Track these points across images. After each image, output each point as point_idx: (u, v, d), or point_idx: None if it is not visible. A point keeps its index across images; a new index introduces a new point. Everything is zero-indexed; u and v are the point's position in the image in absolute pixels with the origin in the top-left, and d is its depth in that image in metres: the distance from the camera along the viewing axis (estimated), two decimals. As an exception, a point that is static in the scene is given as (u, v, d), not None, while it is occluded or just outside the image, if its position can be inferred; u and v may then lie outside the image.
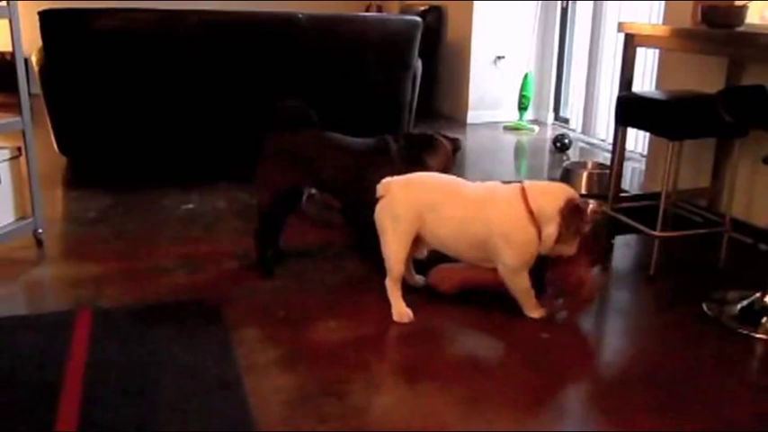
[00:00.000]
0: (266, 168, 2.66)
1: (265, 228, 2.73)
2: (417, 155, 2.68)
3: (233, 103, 4.17)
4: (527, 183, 2.34)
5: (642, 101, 2.92)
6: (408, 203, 2.37)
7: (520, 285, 2.37)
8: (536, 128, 5.78)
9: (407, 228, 2.37)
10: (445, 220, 2.35)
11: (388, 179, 2.41)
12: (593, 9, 5.29)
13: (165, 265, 2.80)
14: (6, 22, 2.67)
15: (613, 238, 3.15)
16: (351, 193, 2.71)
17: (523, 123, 5.81)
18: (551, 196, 2.29)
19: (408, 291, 2.55)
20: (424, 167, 2.63)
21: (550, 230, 2.26)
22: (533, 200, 2.28)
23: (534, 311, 2.41)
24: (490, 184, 2.41)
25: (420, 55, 4.67)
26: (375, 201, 2.55)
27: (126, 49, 3.92)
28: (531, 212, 2.27)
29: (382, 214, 2.40)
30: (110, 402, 1.87)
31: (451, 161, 2.76)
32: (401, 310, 2.39)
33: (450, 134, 2.87)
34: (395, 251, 2.39)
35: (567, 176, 4.10)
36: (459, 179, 2.45)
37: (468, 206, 2.33)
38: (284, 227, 2.78)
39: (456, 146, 2.79)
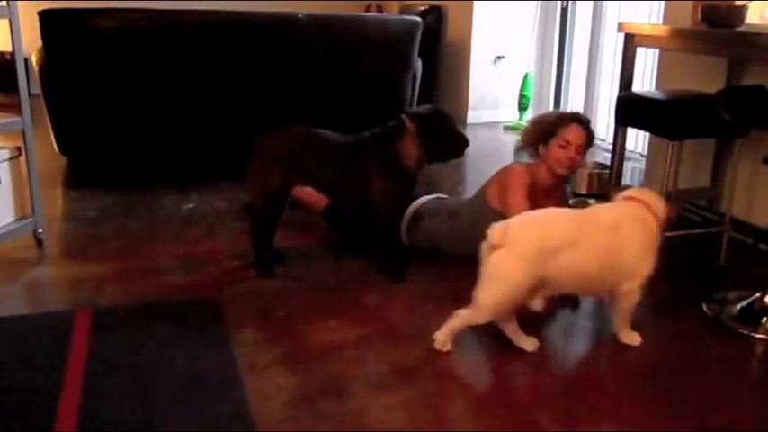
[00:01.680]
0: (257, 169, 2.66)
1: (259, 228, 2.73)
2: (389, 145, 2.61)
3: (233, 103, 4.16)
4: (638, 193, 2.27)
5: (642, 101, 2.92)
6: (538, 246, 2.08)
7: (635, 300, 2.23)
8: (536, 128, 5.78)
9: (530, 276, 2.07)
10: (584, 254, 2.11)
11: (500, 224, 2.10)
12: (593, 9, 5.28)
13: (165, 264, 2.80)
14: (6, 22, 2.67)
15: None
16: (344, 190, 2.70)
17: (523, 123, 5.81)
18: (660, 202, 2.25)
19: (410, 291, 2.56)
20: (399, 158, 2.59)
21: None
22: (657, 209, 2.22)
23: (632, 337, 2.28)
24: (598, 206, 2.34)
25: (420, 55, 4.67)
26: (369, 198, 2.60)
27: (126, 49, 3.91)
28: (658, 221, 2.22)
29: (500, 264, 2.07)
30: (110, 402, 1.87)
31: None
32: (525, 341, 2.21)
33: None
34: (501, 303, 2.10)
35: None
36: (568, 210, 2.37)
37: (604, 233, 2.15)
38: (278, 226, 2.77)
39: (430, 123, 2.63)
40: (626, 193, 2.29)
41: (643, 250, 2.18)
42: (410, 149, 2.59)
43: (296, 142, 2.66)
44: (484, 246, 2.10)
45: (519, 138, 2.96)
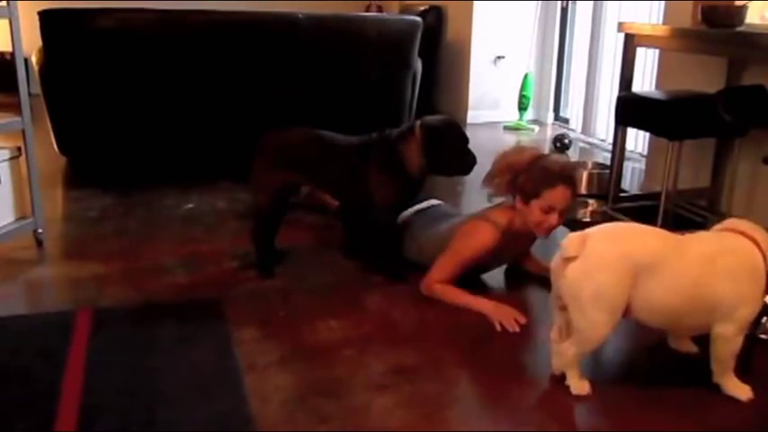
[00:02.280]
0: (262, 168, 2.66)
1: (263, 228, 2.73)
2: (392, 148, 2.56)
3: (233, 102, 4.16)
4: (741, 225, 1.94)
5: (642, 101, 2.92)
6: (618, 263, 1.85)
7: (735, 348, 1.94)
8: (536, 128, 5.78)
9: (620, 295, 1.86)
10: (670, 280, 1.86)
11: (578, 234, 1.89)
12: (593, 9, 5.29)
13: (166, 264, 2.80)
14: (6, 22, 2.67)
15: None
16: (346, 191, 2.71)
17: (523, 123, 5.81)
18: (766, 236, 1.92)
19: (410, 291, 2.56)
20: (401, 161, 2.54)
21: None
22: (765, 244, 1.88)
23: (739, 389, 1.97)
24: (704, 233, 2.04)
25: (420, 55, 4.67)
26: (370, 199, 2.57)
27: (126, 49, 3.91)
28: (765, 259, 1.88)
29: (578, 280, 1.86)
30: (110, 402, 1.87)
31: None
32: (579, 384, 1.97)
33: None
34: (603, 324, 1.89)
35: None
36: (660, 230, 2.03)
37: (697, 261, 1.87)
38: (281, 226, 2.78)
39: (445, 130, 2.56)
40: (726, 223, 1.98)
41: (744, 290, 1.87)
42: (413, 156, 2.55)
43: (299, 141, 2.68)
44: (556, 260, 1.92)
45: (487, 179, 2.55)
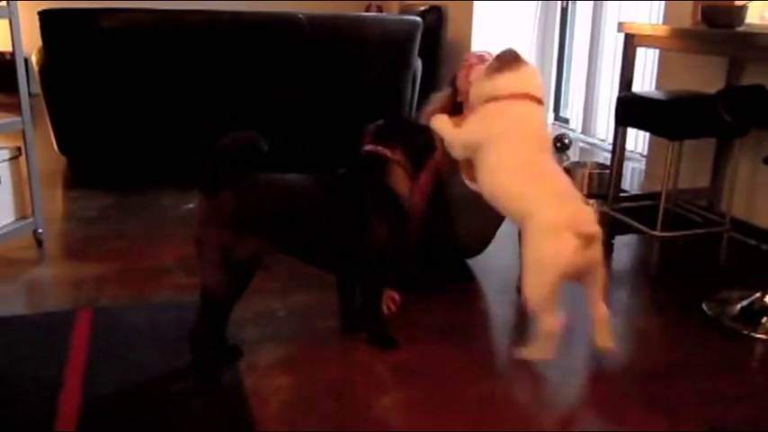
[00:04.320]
0: (211, 237, 1.89)
1: (216, 319, 1.98)
2: (380, 180, 2.14)
3: (233, 103, 4.16)
4: None
5: (642, 101, 2.92)
6: None
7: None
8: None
9: None
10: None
11: None
12: (593, 9, 5.28)
13: (166, 265, 2.80)
14: (6, 22, 2.67)
15: (613, 237, 3.14)
16: (329, 241, 2.07)
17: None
18: None
19: (409, 291, 2.56)
20: (394, 194, 2.13)
21: None
22: None
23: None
24: None
25: (420, 55, 4.67)
26: (359, 245, 2.07)
27: (126, 49, 3.91)
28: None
29: None
30: (110, 403, 1.87)
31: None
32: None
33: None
34: None
35: (567, 176, 4.09)
36: None
37: None
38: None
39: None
40: None
41: None
42: (402, 181, 2.14)
43: (259, 195, 1.94)
44: None
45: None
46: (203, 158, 1.85)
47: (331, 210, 2.03)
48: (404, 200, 2.14)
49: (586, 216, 1.97)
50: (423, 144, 2.23)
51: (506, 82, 2.14)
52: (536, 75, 2.20)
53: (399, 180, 2.13)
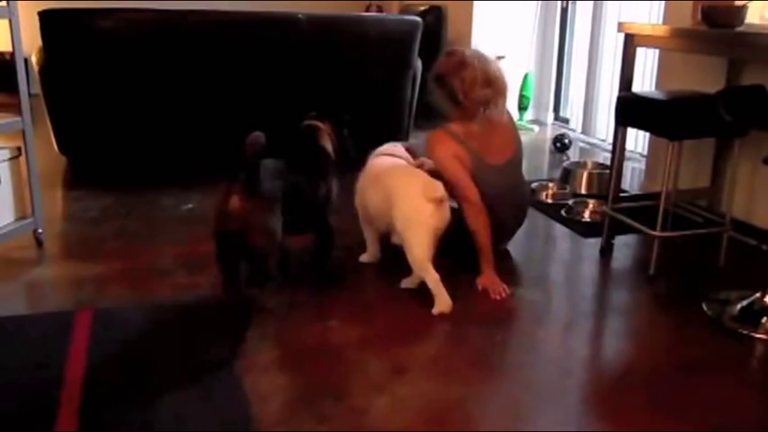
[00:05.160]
0: (258, 215, 2.29)
1: (264, 262, 2.39)
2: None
3: (233, 103, 4.16)
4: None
5: (642, 101, 2.92)
6: None
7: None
8: (536, 128, 5.78)
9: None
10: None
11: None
12: (593, 9, 5.29)
13: (166, 265, 2.80)
14: (6, 22, 2.67)
15: (613, 237, 3.14)
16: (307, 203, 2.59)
17: (523, 123, 5.81)
18: None
19: (409, 291, 2.56)
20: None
21: None
22: None
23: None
24: None
25: (420, 55, 4.67)
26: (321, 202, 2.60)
27: (126, 49, 3.91)
28: None
29: None
30: (110, 402, 1.87)
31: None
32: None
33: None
34: None
35: (567, 176, 4.10)
36: None
37: None
38: None
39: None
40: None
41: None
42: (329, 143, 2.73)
43: (264, 198, 2.31)
44: None
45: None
46: (244, 163, 2.23)
47: (305, 174, 2.54)
48: (331, 156, 2.71)
49: (433, 186, 2.45)
50: (341, 119, 2.79)
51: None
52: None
53: (327, 142, 2.71)
